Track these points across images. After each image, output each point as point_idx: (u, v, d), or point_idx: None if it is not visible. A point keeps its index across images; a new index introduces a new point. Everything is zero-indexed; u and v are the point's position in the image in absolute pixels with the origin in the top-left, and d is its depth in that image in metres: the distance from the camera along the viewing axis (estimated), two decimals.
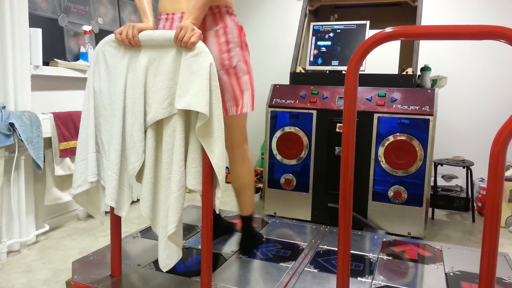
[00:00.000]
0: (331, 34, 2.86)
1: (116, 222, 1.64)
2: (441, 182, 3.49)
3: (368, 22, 2.78)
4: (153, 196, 1.49)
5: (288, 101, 2.74)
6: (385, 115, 2.50)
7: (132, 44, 1.47)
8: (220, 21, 1.63)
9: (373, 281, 1.70)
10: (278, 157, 2.76)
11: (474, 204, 3.20)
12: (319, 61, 2.86)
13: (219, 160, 1.39)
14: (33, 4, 2.47)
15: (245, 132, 1.84)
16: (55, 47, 2.65)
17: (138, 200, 3.20)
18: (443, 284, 1.70)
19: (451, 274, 1.80)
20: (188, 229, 2.21)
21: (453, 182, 3.50)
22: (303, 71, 2.90)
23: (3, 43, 2.17)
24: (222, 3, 1.65)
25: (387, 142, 2.49)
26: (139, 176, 1.52)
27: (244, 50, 1.70)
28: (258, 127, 4.12)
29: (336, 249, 2.01)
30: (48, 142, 2.44)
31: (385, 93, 2.55)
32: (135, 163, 1.47)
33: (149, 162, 1.47)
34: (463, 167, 3.09)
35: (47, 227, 2.52)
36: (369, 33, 2.77)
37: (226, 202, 3.33)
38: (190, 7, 1.49)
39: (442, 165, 3.12)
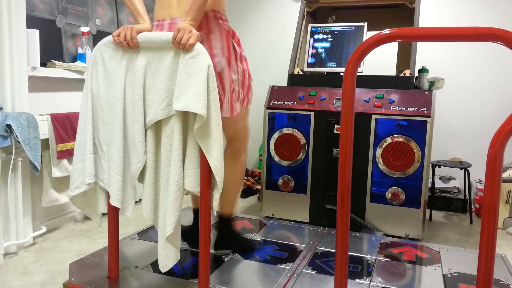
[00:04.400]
0: (329, 36, 2.86)
1: (113, 224, 1.64)
2: (438, 183, 3.50)
3: (365, 24, 2.79)
4: (154, 197, 1.49)
5: (286, 103, 2.74)
6: (383, 116, 2.51)
7: (130, 46, 1.47)
8: (205, 27, 1.58)
9: (371, 282, 1.70)
10: (276, 158, 2.76)
11: (472, 206, 3.20)
12: (317, 62, 2.86)
13: (217, 162, 1.38)
14: (31, 5, 2.47)
15: (242, 129, 1.84)
16: (52, 49, 2.65)
17: (137, 201, 3.19)
18: (441, 285, 1.70)
19: (449, 275, 1.80)
20: None
21: (450, 184, 3.51)
22: (301, 72, 2.90)
23: (1, 44, 2.16)
24: (216, 9, 1.61)
25: (385, 144, 2.49)
26: (141, 177, 1.52)
27: (231, 55, 1.64)
28: (256, 129, 4.12)
29: (334, 250, 2.01)
30: (45, 143, 2.43)
31: (383, 95, 2.56)
32: (137, 164, 1.47)
33: (150, 163, 1.47)
34: (461, 169, 3.09)
35: (44, 229, 2.51)
36: (367, 34, 2.77)
37: None
38: (187, 9, 1.48)
39: (439, 166, 3.13)
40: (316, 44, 2.88)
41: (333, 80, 2.77)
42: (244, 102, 1.76)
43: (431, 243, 2.20)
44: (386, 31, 1.07)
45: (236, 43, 1.69)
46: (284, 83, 2.93)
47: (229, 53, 1.62)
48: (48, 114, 2.45)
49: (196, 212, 2.00)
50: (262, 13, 4.24)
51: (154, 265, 1.78)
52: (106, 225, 1.66)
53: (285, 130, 2.73)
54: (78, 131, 1.55)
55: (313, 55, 2.88)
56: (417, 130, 2.44)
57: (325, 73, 2.88)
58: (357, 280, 1.72)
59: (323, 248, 2.06)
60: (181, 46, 1.38)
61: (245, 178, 3.85)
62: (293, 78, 2.87)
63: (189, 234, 1.99)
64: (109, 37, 1.51)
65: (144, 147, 1.47)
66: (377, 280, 1.72)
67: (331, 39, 2.85)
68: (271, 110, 2.77)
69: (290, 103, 2.73)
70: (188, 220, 2.39)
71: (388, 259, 1.95)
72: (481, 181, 3.42)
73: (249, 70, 1.79)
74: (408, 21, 3.03)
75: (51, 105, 2.63)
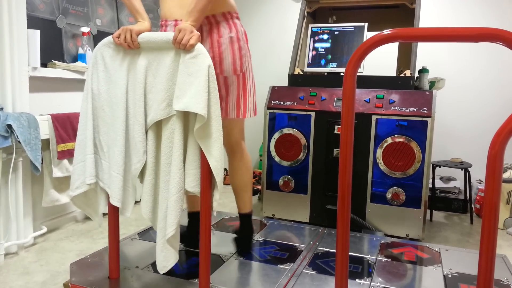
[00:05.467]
0: (329, 36, 2.86)
1: (114, 224, 1.64)
2: (439, 184, 3.50)
3: (366, 24, 2.79)
4: (153, 197, 1.49)
5: (286, 103, 2.74)
6: (383, 117, 2.51)
7: (131, 47, 1.47)
8: (234, 28, 1.66)
9: (372, 283, 1.70)
10: (277, 158, 2.76)
11: (472, 206, 3.20)
12: (317, 63, 2.86)
13: (217, 162, 1.38)
14: (31, 5, 2.47)
15: (243, 130, 1.89)
16: (53, 49, 2.65)
17: (136, 201, 3.19)
18: (441, 286, 1.70)
19: (450, 276, 1.80)
20: None
21: (451, 184, 3.50)
22: (301, 73, 2.90)
23: (1, 44, 2.17)
24: (232, 10, 1.67)
25: (385, 144, 2.49)
26: (142, 177, 1.52)
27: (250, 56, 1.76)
28: (256, 129, 4.12)
29: (335, 251, 2.01)
30: (46, 143, 2.43)
31: (383, 95, 2.55)
32: (136, 164, 1.47)
33: (150, 163, 1.47)
34: (461, 169, 3.09)
35: (44, 229, 2.51)
36: (367, 35, 2.77)
37: (224, 204, 3.33)
38: (189, 9, 1.49)
39: (440, 166, 3.12)
40: (317, 45, 2.88)
41: (334, 80, 2.77)
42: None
43: (431, 244, 2.20)
44: (386, 32, 1.07)
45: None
46: (285, 83, 2.94)
47: (249, 54, 1.74)
48: (49, 114, 2.45)
49: (190, 215, 2.00)
50: (262, 13, 4.24)
51: (155, 265, 1.78)
52: (107, 225, 1.67)
53: (285, 130, 2.73)
54: (78, 131, 1.55)
55: (313, 56, 2.88)
56: (418, 131, 2.43)
57: (326, 74, 2.88)
58: (357, 281, 1.72)
59: (324, 248, 2.06)
60: (181, 47, 1.38)
61: None
62: (293, 79, 2.87)
63: (186, 236, 2.00)
64: (110, 38, 1.51)
65: (144, 147, 1.47)
66: (377, 281, 1.72)
67: (332, 40, 2.85)
68: (271, 110, 2.77)
69: (291, 103, 2.73)
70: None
71: (388, 259, 1.95)
72: (482, 181, 3.42)
73: None
74: (408, 22, 3.03)
75: (52, 105, 2.63)
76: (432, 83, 2.88)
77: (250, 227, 2.01)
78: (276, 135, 2.76)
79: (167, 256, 1.45)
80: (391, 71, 3.30)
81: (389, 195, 2.52)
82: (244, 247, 1.98)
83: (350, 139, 1.13)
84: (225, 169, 4.05)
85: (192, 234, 1.98)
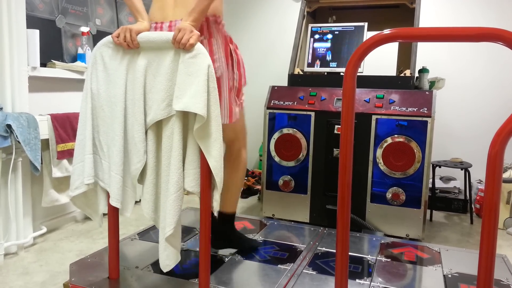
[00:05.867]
0: (329, 36, 2.86)
1: (114, 224, 1.64)
2: (439, 184, 3.50)
3: (366, 24, 2.79)
4: (155, 197, 1.50)
5: (286, 103, 2.74)
6: (383, 116, 2.50)
7: (131, 47, 1.47)
8: (206, 32, 1.59)
9: (372, 283, 1.70)
10: (276, 158, 2.76)
11: (472, 206, 3.20)
12: (317, 62, 2.86)
13: (216, 162, 1.38)
14: (31, 5, 2.47)
15: (240, 130, 1.84)
16: (52, 49, 2.65)
17: (136, 202, 3.19)
18: (441, 286, 1.70)
19: (450, 276, 1.80)
20: (186, 231, 2.21)
21: (451, 184, 3.50)
22: (301, 72, 2.90)
23: (1, 44, 2.16)
24: (210, 13, 1.62)
25: (385, 144, 2.49)
26: (141, 177, 1.52)
27: (229, 62, 1.65)
28: (256, 129, 4.12)
29: (335, 251, 2.00)
30: (45, 143, 2.43)
31: (383, 95, 2.55)
32: (137, 164, 1.47)
33: (150, 163, 1.47)
34: (461, 169, 3.09)
35: (44, 229, 2.51)
36: (367, 34, 2.77)
37: None
38: (190, 9, 1.48)
39: (440, 166, 3.12)
40: (316, 44, 2.88)
41: (334, 80, 2.77)
42: (240, 106, 1.79)
43: (431, 244, 2.20)
44: (386, 31, 1.07)
45: (234, 49, 1.69)
46: (284, 83, 2.93)
47: (227, 59, 1.64)
48: (48, 114, 2.45)
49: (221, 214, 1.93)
50: (262, 13, 4.24)
51: (155, 266, 1.78)
52: (107, 226, 1.66)
53: (285, 130, 2.73)
54: (78, 131, 1.55)
55: (313, 55, 2.88)
56: (418, 130, 2.43)
57: (326, 73, 2.87)
58: (357, 281, 1.72)
59: (324, 249, 2.05)
60: (181, 46, 1.38)
61: (245, 178, 3.85)
62: (293, 78, 2.87)
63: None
64: (109, 37, 1.51)
65: (144, 146, 1.47)
66: (377, 281, 1.72)
67: (332, 39, 2.85)
68: (271, 110, 2.77)
69: (291, 103, 2.73)
70: (189, 221, 2.39)
71: (388, 260, 1.95)
72: (482, 181, 3.42)
73: (245, 74, 1.81)
74: (408, 21, 3.03)
75: (51, 105, 2.63)
76: (432, 83, 2.88)
77: (227, 230, 1.91)
78: (276, 135, 2.75)
79: (169, 255, 1.45)
80: (391, 71, 3.30)
81: (389, 195, 2.52)
82: (214, 246, 1.91)
83: (350, 139, 1.12)
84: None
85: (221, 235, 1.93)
